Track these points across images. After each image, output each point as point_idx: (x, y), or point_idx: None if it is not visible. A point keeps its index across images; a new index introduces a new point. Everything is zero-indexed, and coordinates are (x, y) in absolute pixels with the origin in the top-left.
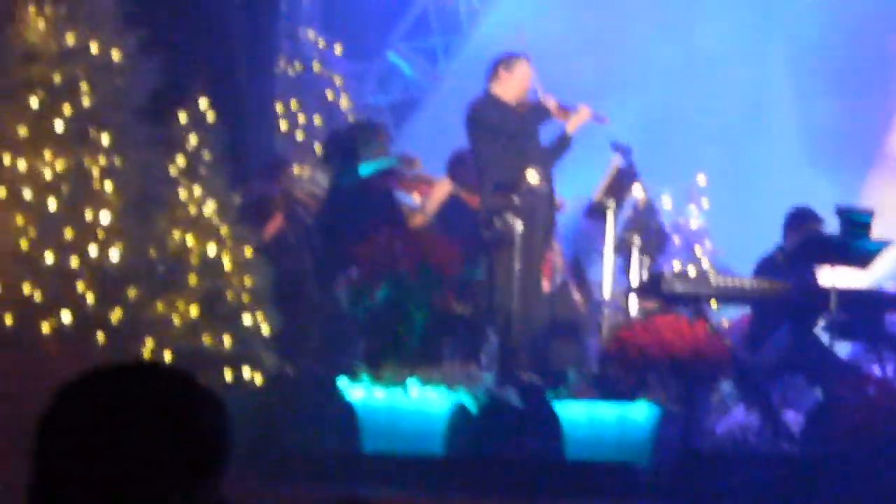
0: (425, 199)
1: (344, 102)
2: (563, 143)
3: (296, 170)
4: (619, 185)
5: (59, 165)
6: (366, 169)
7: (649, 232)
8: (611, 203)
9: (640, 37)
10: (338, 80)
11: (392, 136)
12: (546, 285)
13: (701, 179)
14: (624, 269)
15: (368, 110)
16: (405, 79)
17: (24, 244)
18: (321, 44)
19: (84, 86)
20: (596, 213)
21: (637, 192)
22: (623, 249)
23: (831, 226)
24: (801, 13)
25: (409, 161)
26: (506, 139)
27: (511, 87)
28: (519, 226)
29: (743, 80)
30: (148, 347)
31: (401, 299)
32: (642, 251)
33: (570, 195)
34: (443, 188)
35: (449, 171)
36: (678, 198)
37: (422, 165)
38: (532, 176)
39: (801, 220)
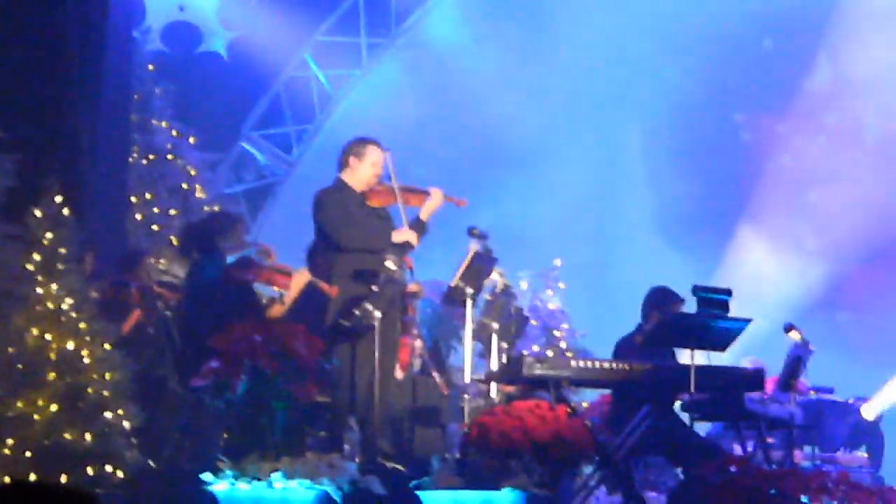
0: (284, 289)
1: (198, 192)
2: (418, 228)
3: (151, 262)
4: (477, 269)
5: None
6: (223, 261)
7: (508, 316)
8: (468, 288)
9: (496, 122)
10: (192, 171)
11: (248, 225)
12: (404, 373)
13: (557, 262)
14: (484, 353)
15: (223, 199)
16: (259, 166)
17: None
18: (174, 134)
19: None
20: (454, 297)
21: (495, 276)
22: (482, 334)
23: (689, 305)
24: (653, 93)
25: (266, 251)
26: (357, 225)
27: (361, 173)
28: (378, 314)
29: (598, 162)
30: (9, 446)
31: (261, 391)
32: (501, 335)
33: (428, 278)
34: (301, 278)
35: (308, 261)
36: (535, 281)
37: (276, 255)
38: (390, 264)
39: (659, 299)
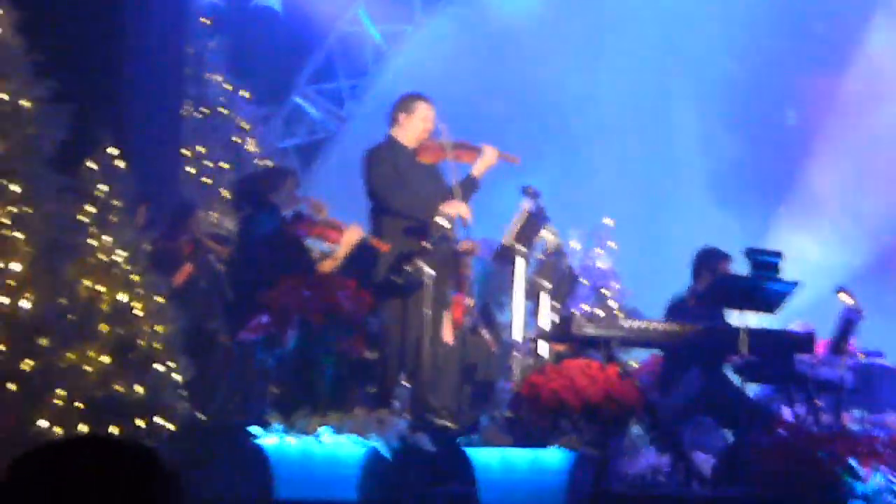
0: (335, 244)
1: (251, 146)
2: (469, 184)
3: (203, 215)
4: (529, 228)
5: None
6: (277, 215)
7: (559, 275)
8: (520, 247)
9: (548, 80)
10: (244, 125)
11: (300, 180)
12: (457, 330)
13: (608, 221)
14: (534, 312)
15: (275, 154)
16: (312, 121)
17: None
18: (227, 88)
19: None
20: (505, 256)
21: (547, 235)
22: (533, 292)
23: (740, 265)
24: (706, 53)
25: (318, 207)
26: (407, 184)
27: (412, 129)
28: (429, 271)
29: (649, 122)
30: (60, 396)
31: (310, 345)
32: (552, 294)
33: (479, 236)
34: (353, 234)
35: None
36: (586, 240)
37: (328, 210)
38: (442, 221)
39: (708, 259)
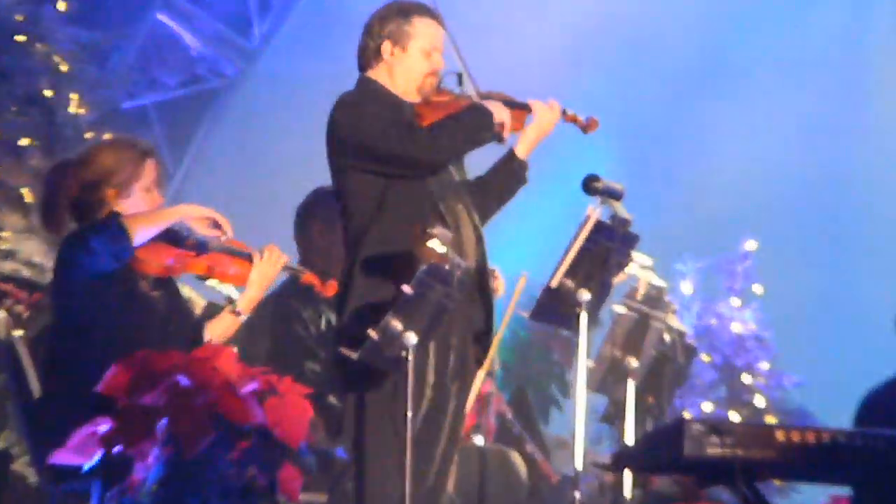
0: (238, 285)
1: (74, 104)
2: (509, 173)
3: None
4: (600, 255)
5: None
6: (122, 236)
7: (658, 345)
8: (584, 291)
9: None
10: (62, 64)
11: (169, 168)
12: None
13: (751, 245)
14: (611, 413)
15: (119, 118)
16: (189, 59)
17: None
18: None
19: None
20: (555, 308)
21: (634, 268)
22: (609, 377)
23: None
24: None
25: (210, 223)
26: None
27: (407, 70)
28: (412, 339)
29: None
30: None
31: (190, 482)
32: (644, 380)
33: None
34: (268, 265)
35: (298, 232)
36: (710, 280)
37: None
38: (437, 244)
39: None
